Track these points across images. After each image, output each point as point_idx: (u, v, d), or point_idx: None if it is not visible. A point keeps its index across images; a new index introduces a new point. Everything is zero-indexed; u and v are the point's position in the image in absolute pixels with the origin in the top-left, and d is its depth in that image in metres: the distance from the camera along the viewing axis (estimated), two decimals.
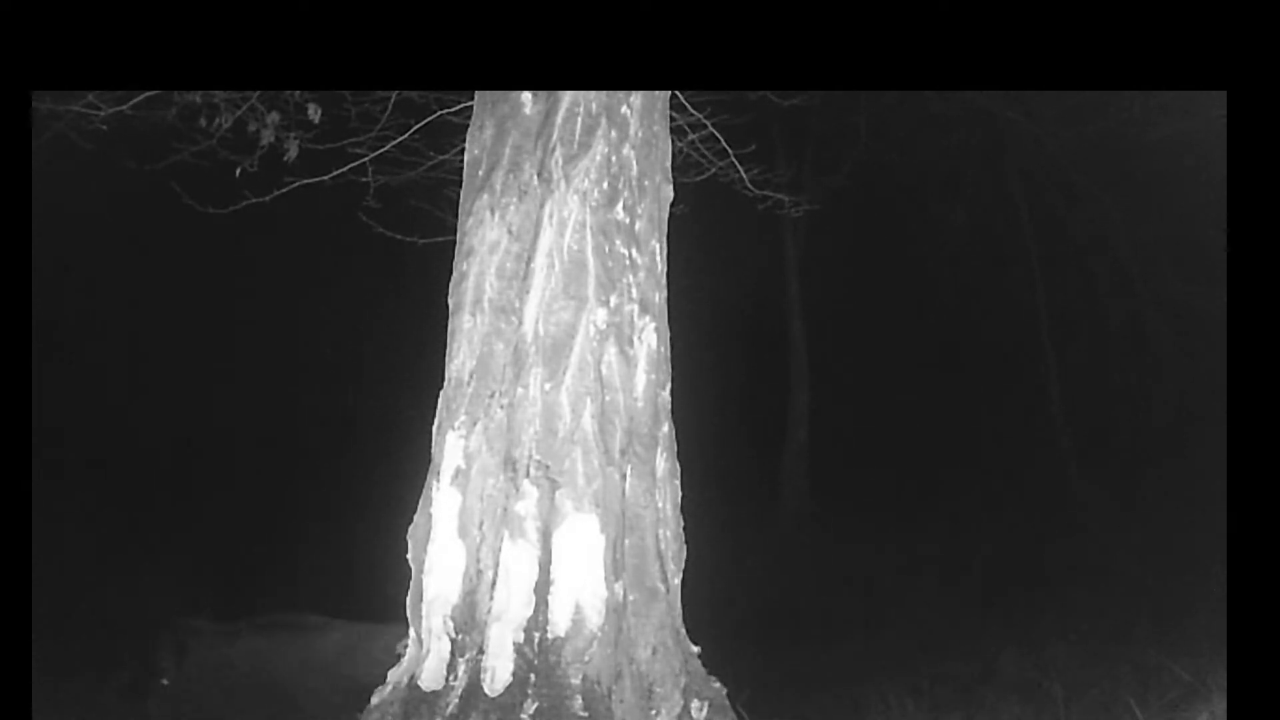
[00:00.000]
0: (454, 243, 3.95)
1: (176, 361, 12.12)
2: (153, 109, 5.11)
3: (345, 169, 5.67)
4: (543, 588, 3.39)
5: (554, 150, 3.72)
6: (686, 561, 3.78)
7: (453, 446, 3.62)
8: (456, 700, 3.33)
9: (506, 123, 3.88)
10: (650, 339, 3.75)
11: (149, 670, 5.95)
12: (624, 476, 3.56)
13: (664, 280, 3.90)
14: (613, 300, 3.64)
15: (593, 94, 3.75)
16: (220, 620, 6.01)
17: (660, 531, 3.67)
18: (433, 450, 3.71)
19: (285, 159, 5.38)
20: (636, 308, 3.72)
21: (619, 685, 3.42)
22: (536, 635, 3.35)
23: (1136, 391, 13.72)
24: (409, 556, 3.68)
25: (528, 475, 3.47)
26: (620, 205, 3.73)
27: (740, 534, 10.55)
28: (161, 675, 5.66)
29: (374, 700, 3.56)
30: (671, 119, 4.25)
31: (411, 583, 3.64)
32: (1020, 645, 6.87)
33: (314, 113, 5.26)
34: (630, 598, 3.53)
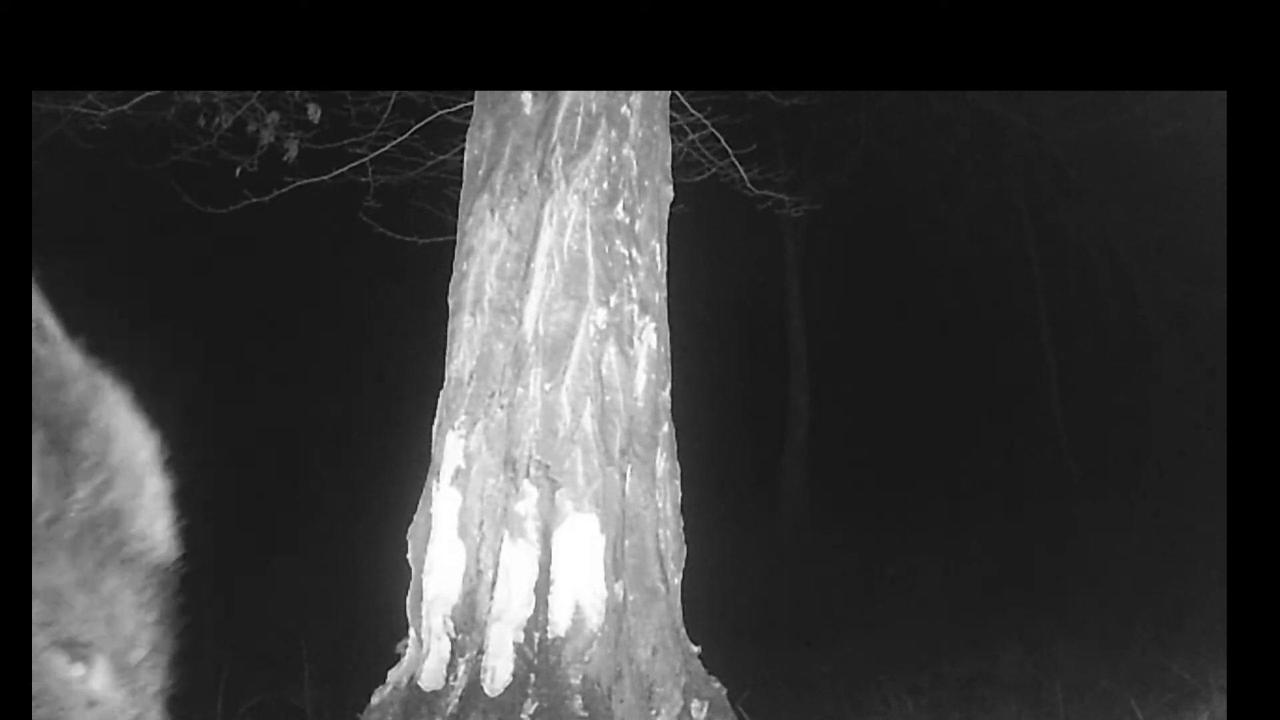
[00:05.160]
0: (454, 243, 3.95)
1: (176, 361, 12.11)
2: (153, 109, 5.11)
3: (345, 169, 5.67)
4: (543, 588, 3.39)
5: (554, 150, 3.72)
6: (686, 561, 3.78)
7: (453, 446, 3.63)
8: (456, 700, 3.33)
9: (506, 123, 3.88)
10: (650, 339, 3.75)
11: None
12: (624, 476, 3.56)
13: (664, 280, 3.90)
14: (613, 300, 3.64)
15: (593, 94, 3.75)
16: None
17: (660, 531, 3.67)
18: (433, 450, 3.71)
19: (285, 159, 5.38)
20: (636, 308, 3.72)
21: (619, 685, 3.42)
22: (536, 635, 3.35)
23: (1136, 392, 13.72)
24: (409, 556, 3.68)
25: (528, 475, 3.47)
26: (620, 205, 3.73)
27: (740, 534, 10.55)
28: None
29: (374, 700, 3.56)
30: (671, 119, 4.25)
31: (411, 583, 3.64)
32: (1020, 645, 6.87)
33: (314, 113, 5.26)
34: (630, 598, 3.53)
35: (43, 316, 1.30)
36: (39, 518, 1.15)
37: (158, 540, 1.32)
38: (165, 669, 1.30)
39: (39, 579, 1.16)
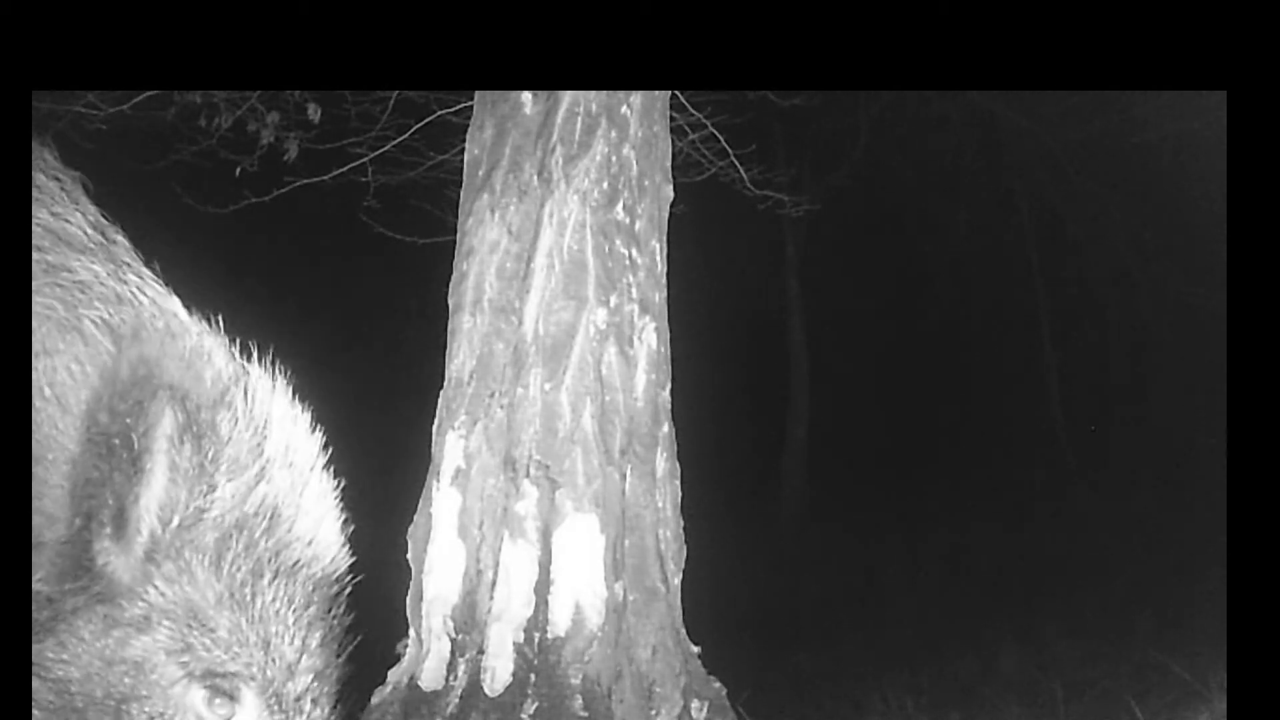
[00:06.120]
0: (454, 243, 3.95)
1: None
2: (153, 109, 5.11)
3: (345, 169, 5.68)
4: (543, 588, 3.39)
5: (554, 150, 3.72)
6: (686, 561, 3.78)
7: (453, 446, 3.63)
8: (456, 700, 3.33)
9: (506, 123, 3.88)
10: (650, 339, 3.75)
11: None
12: (624, 476, 3.56)
13: (664, 280, 3.90)
14: (613, 300, 3.64)
15: (593, 94, 3.75)
16: None
17: (660, 531, 3.67)
18: (433, 450, 3.71)
19: (285, 159, 5.39)
20: (636, 308, 3.72)
21: (619, 685, 3.42)
22: (536, 635, 3.35)
23: (1136, 391, 13.73)
24: (409, 556, 3.68)
25: (528, 475, 3.47)
26: (620, 205, 3.73)
27: (740, 534, 10.54)
28: None
29: (374, 700, 3.56)
30: (671, 119, 4.25)
31: (411, 583, 3.64)
32: (1021, 644, 6.87)
33: (314, 113, 5.26)
34: (630, 598, 3.54)
35: (165, 294, 1.15)
36: (169, 521, 0.97)
37: (325, 546, 1.14)
38: (331, 703, 1.12)
39: (168, 595, 0.96)
